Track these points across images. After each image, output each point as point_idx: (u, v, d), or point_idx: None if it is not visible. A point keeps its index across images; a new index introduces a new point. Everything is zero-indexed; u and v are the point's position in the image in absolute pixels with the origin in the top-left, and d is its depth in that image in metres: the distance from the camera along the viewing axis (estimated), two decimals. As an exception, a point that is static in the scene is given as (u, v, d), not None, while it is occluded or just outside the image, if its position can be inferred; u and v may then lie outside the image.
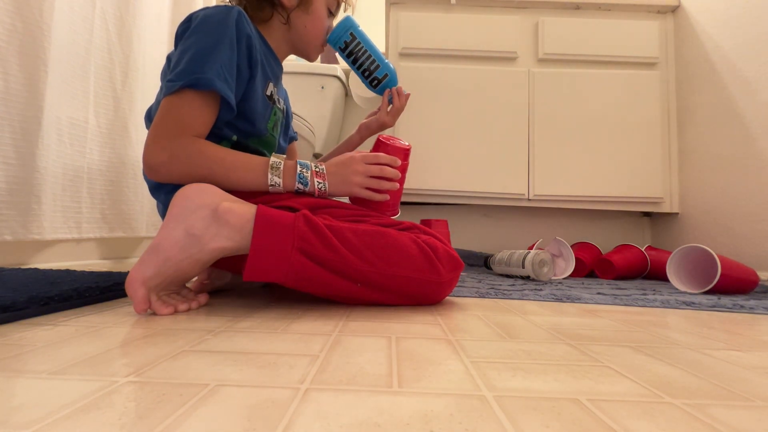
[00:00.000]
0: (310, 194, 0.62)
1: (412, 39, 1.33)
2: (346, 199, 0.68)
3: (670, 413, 0.24)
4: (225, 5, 0.62)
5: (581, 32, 1.31)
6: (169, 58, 0.65)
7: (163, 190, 0.63)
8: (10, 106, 0.77)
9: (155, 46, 1.18)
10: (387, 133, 1.26)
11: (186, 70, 0.56)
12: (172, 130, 0.56)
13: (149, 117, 0.68)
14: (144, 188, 1.11)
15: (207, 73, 0.56)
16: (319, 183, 0.61)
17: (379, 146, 0.69)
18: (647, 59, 1.30)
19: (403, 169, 0.69)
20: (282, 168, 0.59)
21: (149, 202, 1.14)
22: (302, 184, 0.60)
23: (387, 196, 0.66)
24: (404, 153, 0.68)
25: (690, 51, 1.27)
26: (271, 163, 0.59)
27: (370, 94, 1.46)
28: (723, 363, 0.35)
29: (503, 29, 1.32)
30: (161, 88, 0.67)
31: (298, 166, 0.61)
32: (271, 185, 0.59)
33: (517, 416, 0.23)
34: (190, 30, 0.59)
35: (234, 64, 0.59)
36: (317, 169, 0.61)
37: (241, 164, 0.58)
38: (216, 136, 0.63)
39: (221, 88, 0.56)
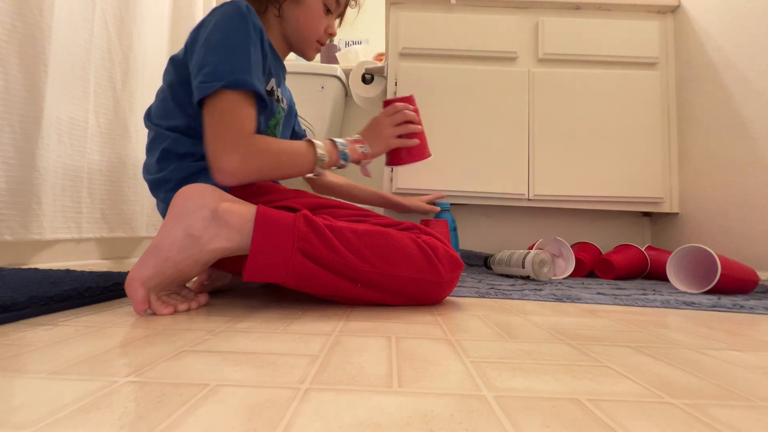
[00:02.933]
0: (355, 162, 0.68)
1: (412, 39, 1.33)
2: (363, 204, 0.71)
3: (670, 413, 0.24)
4: (232, 1, 0.61)
5: (581, 32, 1.31)
6: (174, 60, 0.65)
7: (162, 189, 0.63)
8: (10, 106, 0.77)
9: (155, 46, 1.18)
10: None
11: (221, 71, 0.56)
12: (236, 132, 0.57)
13: (149, 118, 0.68)
14: (144, 188, 1.11)
15: (244, 74, 0.57)
16: (361, 147, 0.67)
17: (388, 104, 0.75)
18: (647, 59, 1.30)
19: (417, 112, 0.77)
20: (326, 148, 0.64)
21: (149, 202, 1.14)
22: (344, 159, 0.65)
23: (418, 141, 0.74)
24: (409, 100, 0.77)
25: (690, 51, 1.27)
26: (316, 144, 0.63)
27: (370, 93, 1.46)
28: (723, 363, 0.35)
29: (503, 29, 1.32)
30: (162, 89, 0.67)
31: (338, 144, 0.65)
32: (320, 159, 0.62)
33: (517, 416, 0.23)
34: (211, 29, 0.59)
35: (259, 60, 0.61)
36: (354, 138, 0.69)
37: (294, 151, 0.62)
38: None
39: (258, 88, 0.58)
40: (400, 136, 0.72)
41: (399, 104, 0.73)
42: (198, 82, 0.57)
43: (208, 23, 0.60)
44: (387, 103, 0.76)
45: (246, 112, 0.58)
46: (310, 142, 0.63)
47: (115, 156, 1.03)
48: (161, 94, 0.66)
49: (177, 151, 0.63)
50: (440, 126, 1.30)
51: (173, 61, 0.65)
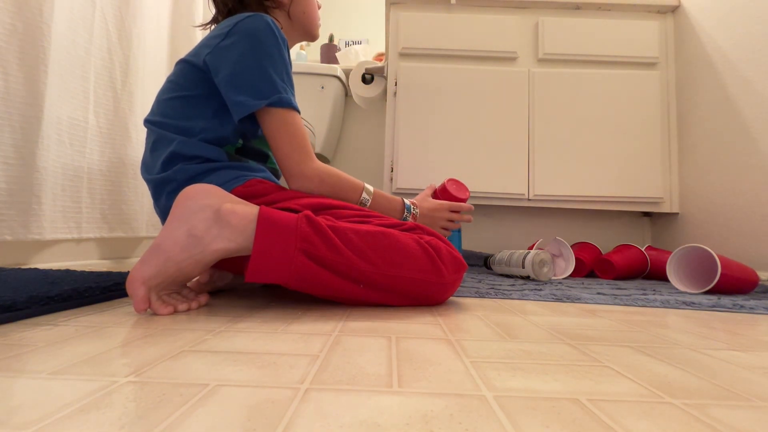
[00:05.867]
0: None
1: (412, 39, 1.33)
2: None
3: (670, 413, 0.24)
4: (255, 14, 0.64)
5: (581, 32, 1.31)
6: (191, 64, 0.65)
7: (165, 189, 0.63)
8: (10, 106, 0.77)
9: (155, 46, 1.18)
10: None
11: (270, 89, 0.60)
12: (308, 151, 0.63)
13: (151, 121, 0.66)
14: (144, 188, 1.11)
15: (286, 93, 0.62)
16: (407, 214, 0.74)
17: (449, 197, 0.85)
18: (647, 59, 1.30)
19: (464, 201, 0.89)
20: (372, 195, 0.70)
21: (149, 202, 1.14)
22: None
23: (450, 233, 0.83)
24: (465, 197, 0.89)
25: (690, 51, 1.27)
26: (365, 188, 0.69)
27: (370, 93, 1.46)
28: (723, 363, 0.35)
29: (503, 29, 1.32)
30: (165, 89, 0.66)
31: (406, 210, 0.73)
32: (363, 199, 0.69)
33: (517, 416, 0.23)
34: (248, 46, 0.61)
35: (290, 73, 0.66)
36: (407, 203, 0.74)
37: (349, 186, 0.67)
38: (225, 140, 0.64)
39: (297, 108, 0.63)
40: (446, 227, 0.80)
41: (464, 205, 0.81)
42: (240, 98, 0.60)
43: (239, 38, 0.61)
44: (448, 195, 0.86)
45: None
46: (364, 188, 0.69)
47: (115, 156, 1.03)
48: (175, 97, 0.66)
49: (185, 153, 0.62)
50: (440, 126, 1.30)
51: (191, 65, 0.65)
